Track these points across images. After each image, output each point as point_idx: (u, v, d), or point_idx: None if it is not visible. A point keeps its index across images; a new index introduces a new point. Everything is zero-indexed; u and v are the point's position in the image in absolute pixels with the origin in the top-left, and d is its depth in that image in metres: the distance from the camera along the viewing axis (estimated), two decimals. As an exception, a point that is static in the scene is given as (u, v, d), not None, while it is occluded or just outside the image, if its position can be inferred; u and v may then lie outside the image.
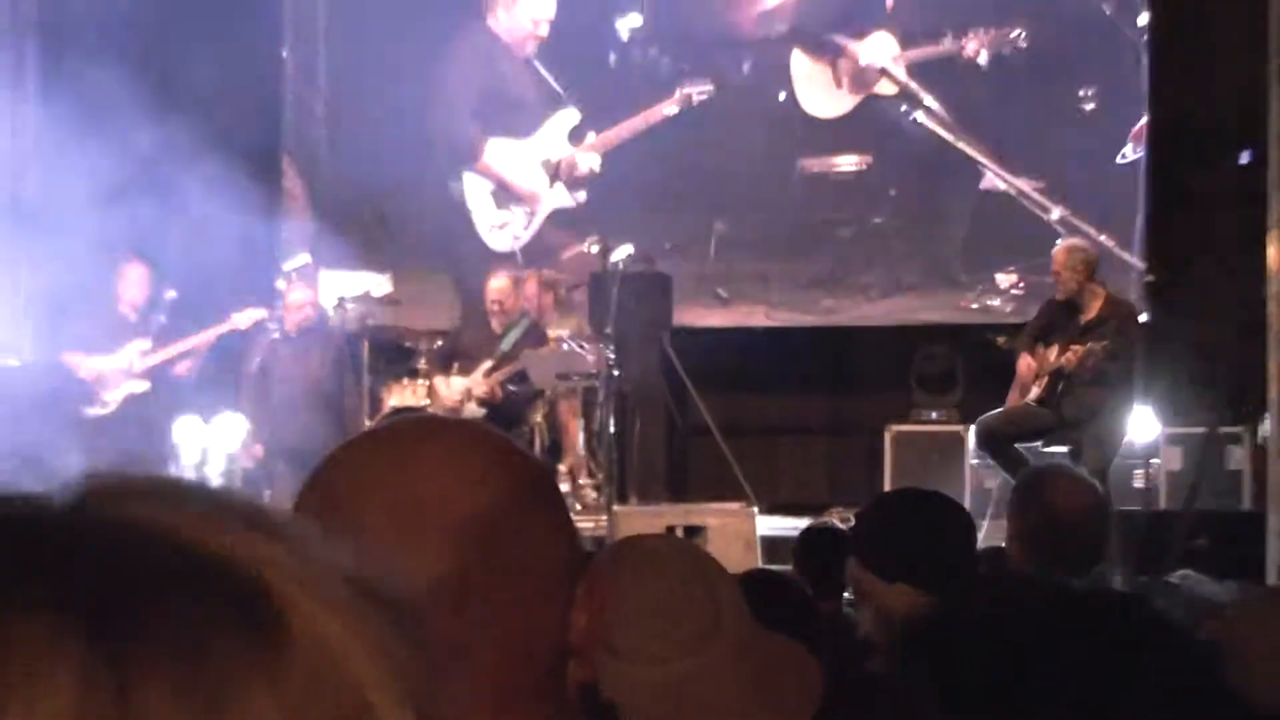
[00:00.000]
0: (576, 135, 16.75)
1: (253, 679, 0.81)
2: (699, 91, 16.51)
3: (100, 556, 0.83)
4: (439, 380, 14.28)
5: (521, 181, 16.77)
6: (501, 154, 16.77)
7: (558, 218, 16.65)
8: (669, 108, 16.52)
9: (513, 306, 14.48)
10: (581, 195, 16.65)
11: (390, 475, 1.76)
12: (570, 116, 16.73)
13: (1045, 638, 1.71)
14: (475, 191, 16.82)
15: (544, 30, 16.72)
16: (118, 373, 14.11)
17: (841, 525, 11.11)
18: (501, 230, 16.77)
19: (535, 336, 14.28)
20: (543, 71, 16.78)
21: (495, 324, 14.39)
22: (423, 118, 16.81)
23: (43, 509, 0.89)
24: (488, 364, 14.17)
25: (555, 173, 16.68)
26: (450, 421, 2.01)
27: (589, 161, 16.62)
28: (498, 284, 14.54)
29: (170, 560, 0.83)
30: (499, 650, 1.72)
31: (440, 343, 14.69)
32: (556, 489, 1.93)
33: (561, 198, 16.67)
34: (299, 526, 0.90)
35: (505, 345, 14.25)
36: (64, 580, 0.82)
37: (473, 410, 13.90)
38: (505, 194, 16.81)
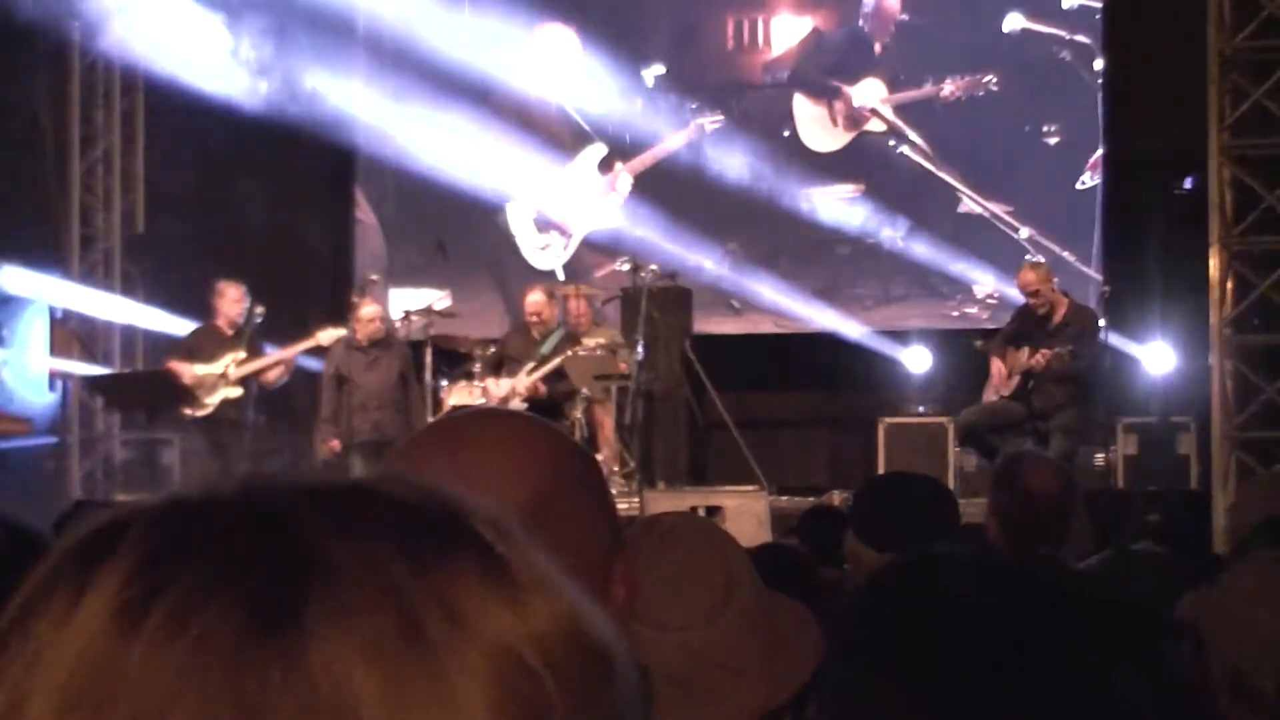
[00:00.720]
0: (605, 165, 16.79)
1: (230, 653, 0.79)
2: (710, 121, 16.54)
3: (177, 531, 0.83)
4: (490, 381, 14.34)
5: (559, 210, 16.81)
6: (541, 187, 16.81)
7: (592, 240, 16.68)
8: (685, 136, 16.56)
9: (550, 317, 14.51)
10: (613, 218, 16.68)
11: (449, 462, 1.72)
12: (598, 150, 16.78)
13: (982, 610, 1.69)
14: (519, 220, 16.87)
15: (572, 77, 16.76)
16: (215, 379, 14.17)
17: (840, 505, 11.19)
18: (544, 252, 16.81)
19: (570, 342, 14.32)
20: (571, 113, 16.83)
21: (535, 332, 14.45)
22: (471, 162, 16.83)
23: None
24: (530, 365, 14.24)
25: (589, 199, 16.71)
26: (504, 413, 1.96)
27: (623, 186, 16.66)
28: (535, 298, 14.59)
29: (221, 545, 0.82)
30: None
31: (490, 349, 14.73)
32: (600, 473, 1.90)
33: (595, 221, 16.72)
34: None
35: (544, 350, 14.29)
36: (142, 545, 0.82)
37: (518, 406, 13.95)
38: (545, 221, 16.85)
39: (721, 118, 16.50)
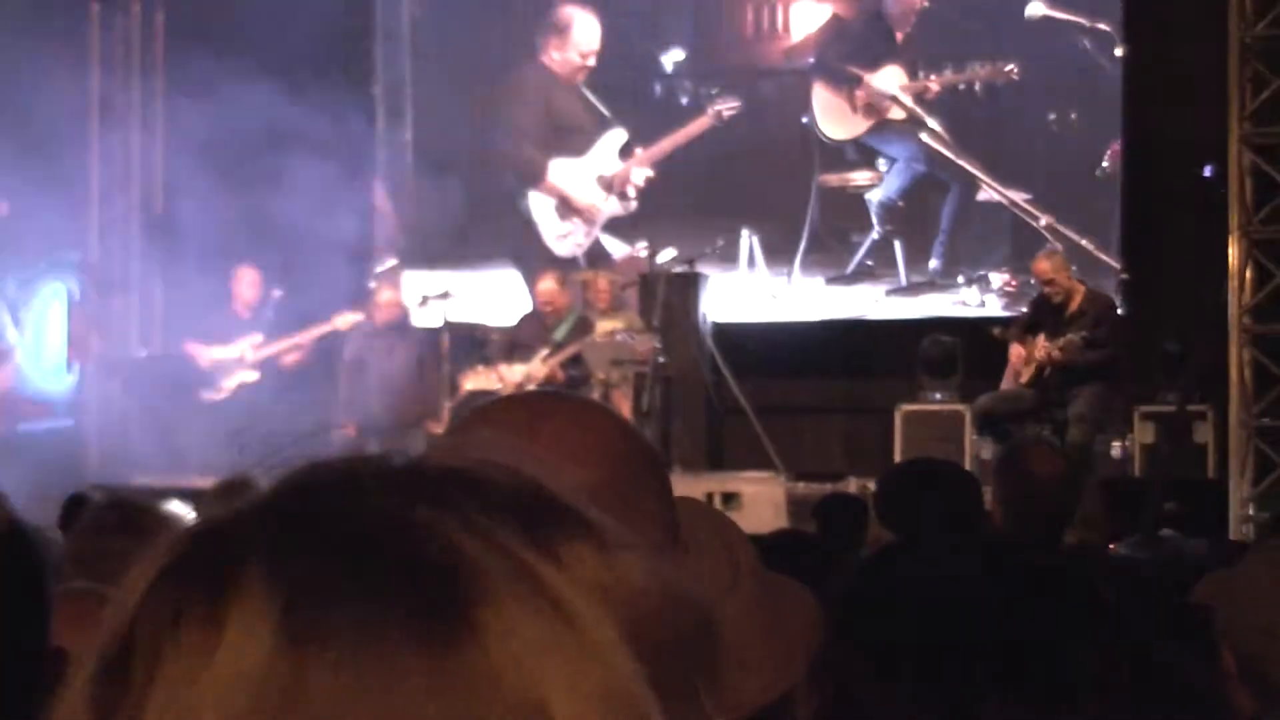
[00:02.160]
0: (625, 152, 16.77)
1: (415, 672, 0.79)
2: (728, 108, 16.51)
3: (317, 540, 0.83)
4: (503, 367, 14.35)
5: (580, 196, 16.79)
6: (561, 173, 16.80)
7: (612, 226, 16.67)
8: (704, 122, 16.54)
9: (562, 304, 14.52)
10: (633, 205, 16.66)
11: (514, 445, 1.70)
12: (619, 136, 16.75)
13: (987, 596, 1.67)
14: (540, 207, 16.85)
15: (592, 61, 16.75)
16: (232, 363, 14.20)
17: (857, 492, 11.20)
18: (565, 239, 16.78)
19: (584, 328, 14.33)
20: (591, 98, 16.81)
21: (548, 319, 14.46)
22: (491, 146, 16.85)
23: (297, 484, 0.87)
24: (544, 351, 14.25)
25: (610, 186, 16.71)
26: (572, 397, 1.92)
27: (641, 174, 16.65)
28: (546, 285, 14.60)
29: (378, 557, 0.82)
30: None
31: (500, 335, 14.77)
32: (662, 463, 1.88)
33: (615, 207, 16.70)
34: (577, 541, 0.88)
35: (558, 336, 14.31)
36: (282, 555, 0.82)
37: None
38: (566, 208, 16.83)
39: (738, 104, 16.47)
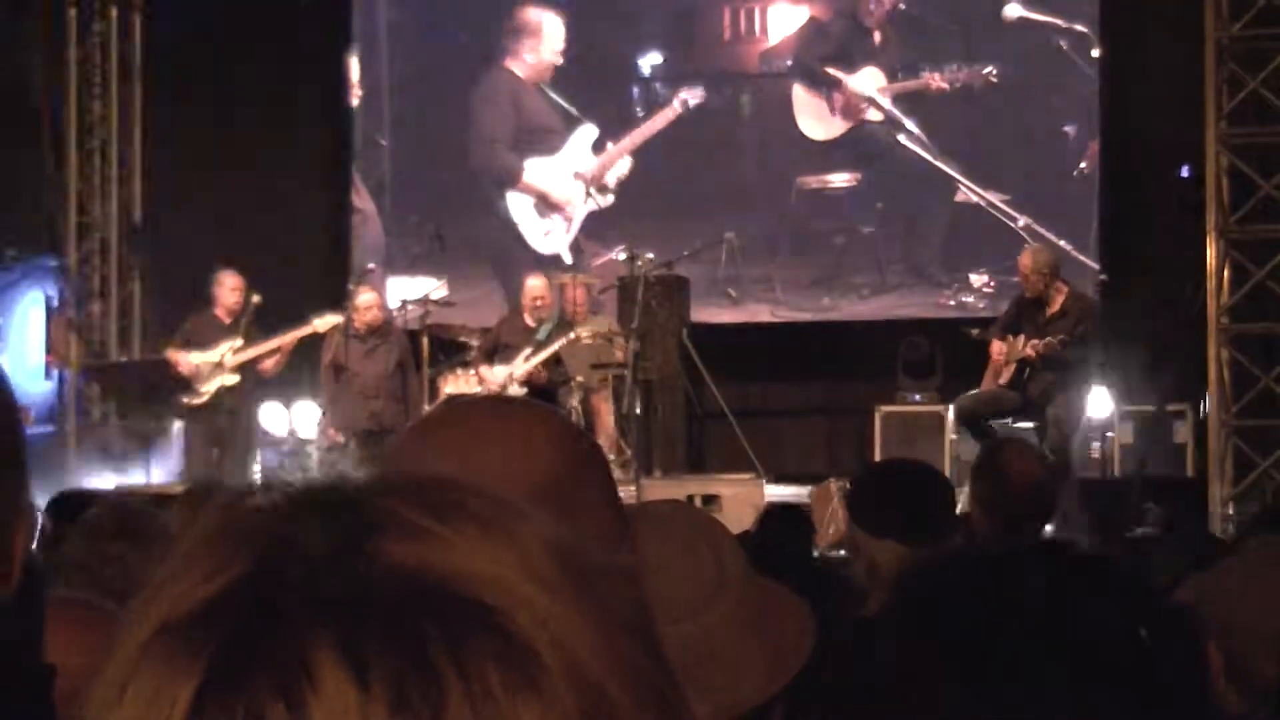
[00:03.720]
0: (598, 147, 16.80)
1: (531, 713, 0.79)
2: (694, 96, 16.55)
3: (394, 616, 0.80)
4: (484, 369, 14.36)
5: (557, 192, 16.82)
6: (537, 172, 16.82)
7: (590, 230, 16.68)
8: (671, 113, 16.58)
9: (549, 304, 14.54)
10: (611, 199, 16.70)
11: (459, 445, 1.74)
12: (590, 132, 16.78)
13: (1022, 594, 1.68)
14: (519, 207, 16.87)
15: (560, 61, 16.79)
16: (211, 367, 14.18)
17: (837, 493, 11.22)
18: (548, 237, 16.81)
19: (565, 329, 14.33)
20: (555, 98, 16.84)
21: (530, 318, 14.45)
22: (466, 151, 16.88)
23: (324, 546, 0.83)
24: (527, 351, 14.26)
25: (588, 181, 16.74)
26: (510, 399, 1.96)
27: (618, 167, 16.68)
28: (535, 284, 14.61)
29: (454, 618, 0.80)
30: None
31: (482, 338, 14.77)
32: (604, 456, 1.91)
33: (594, 202, 16.73)
34: (521, 517, 0.88)
35: (540, 336, 14.32)
36: (364, 643, 0.79)
37: (516, 391, 13.99)
38: (545, 205, 16.85)
39: (703, 94, 16.52)
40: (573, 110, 16.74)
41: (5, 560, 1.42)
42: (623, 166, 16.68)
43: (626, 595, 0.88)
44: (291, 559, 0.82)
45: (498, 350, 14.49)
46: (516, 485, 1.61)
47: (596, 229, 16.62)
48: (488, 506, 0.87)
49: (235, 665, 0.79)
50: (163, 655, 0.81)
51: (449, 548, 0.83)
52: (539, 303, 14.45)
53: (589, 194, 16.74)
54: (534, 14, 16.82)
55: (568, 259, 16.44)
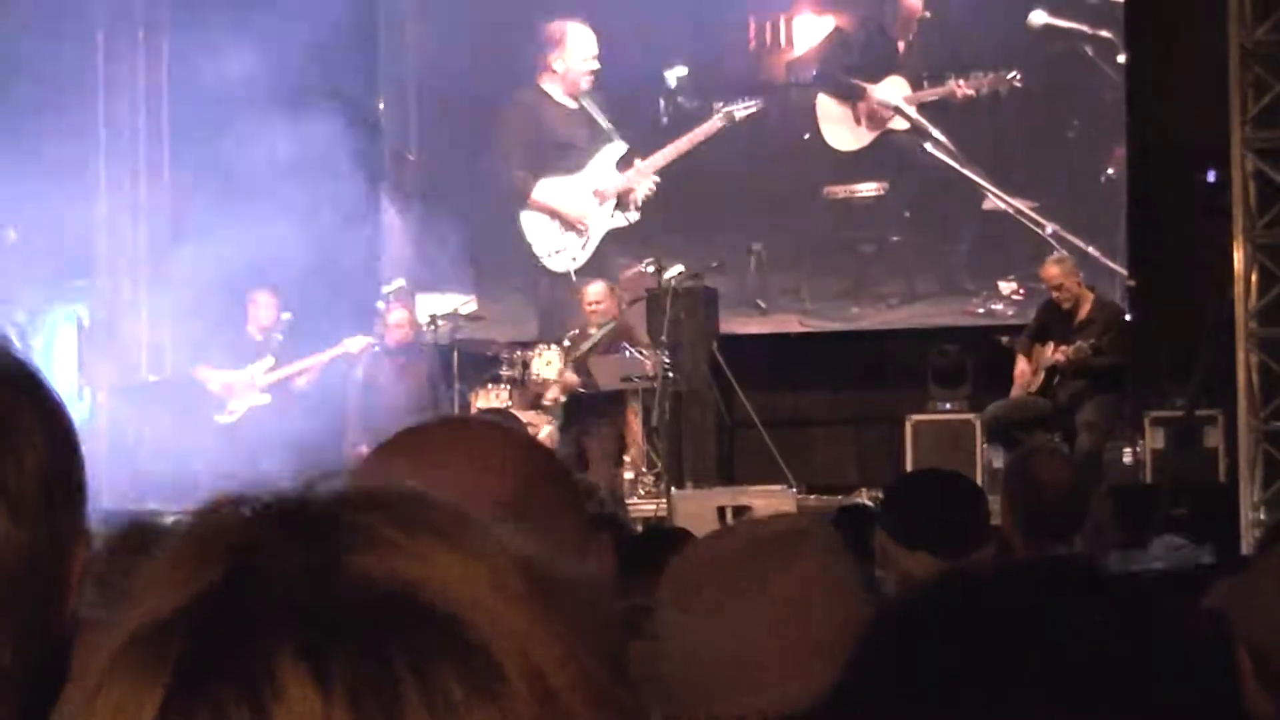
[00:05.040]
0: (624, 164, 16.79)
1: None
2: (743, 107, 16.52)
3: (356, 625, 0.81)
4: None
5: (571, 210, 16.81)
6: (551, 190, 16.82)
7: (618, 242, 16.67)
8: (715, 123, 16.54)
9: (610, 309, 14.47)
10: (636, 216, 16.69)
11: (416, 468, 1.75)
12: (617, 149, 16.78)
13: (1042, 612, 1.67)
14: (532, 225, 16.87)
15: (593, 67, 16.80)
16: (243, 386, 14.21)
17: (868, 503, 11.21)
18: (558, 255, 16.79)
19: (619, 335, 14.29)
20: (593, 111, 16.84)
21: (593, 323, 14.43)
22: (485, 168, 16.89)
23: (291, 555, 0.84)
24: (565, 344, 14.31)
25: (604, 198, 16.73)
26: (469, 419, 2.00)
27: (645, 185, 16.66)
28: (596, 289, 14.53)
29: (413, 626, 0.81)
30: None
31: (518, 353, 14.78)
32: (566, 473, 1.93)
33: (615, 220, 16.73)
34: (482, 528, 0.89)
35: (597, 338, 14.30)
36: (327, 652, 0.80)
37: (557, 398, 14.11)
38: (558, 224, 16.86)
39: (754, 104, 16.48)
40: (605, 125, 16.74)
41: (64, 585, 1.44)
42: (646, 183, 16.65)
43: (589, 609, 0.89)
44: (260, 569, 0.84)
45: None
46: (475, 504, 1.59)
47: (625, 241, 16.60)
48: (454, 521, 0.88)
49: (201, 671, 0.81)
50: (130, 664, 0.82)
51: (416, 560, 0.84)
52: (596, 305, 14.39)
53: (612, 212, 16.73)
54: (559, 25, 16.82)
55: (574, 280, 16.38)
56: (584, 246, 16.78)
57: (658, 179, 16.64)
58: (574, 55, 16.78)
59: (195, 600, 0.84)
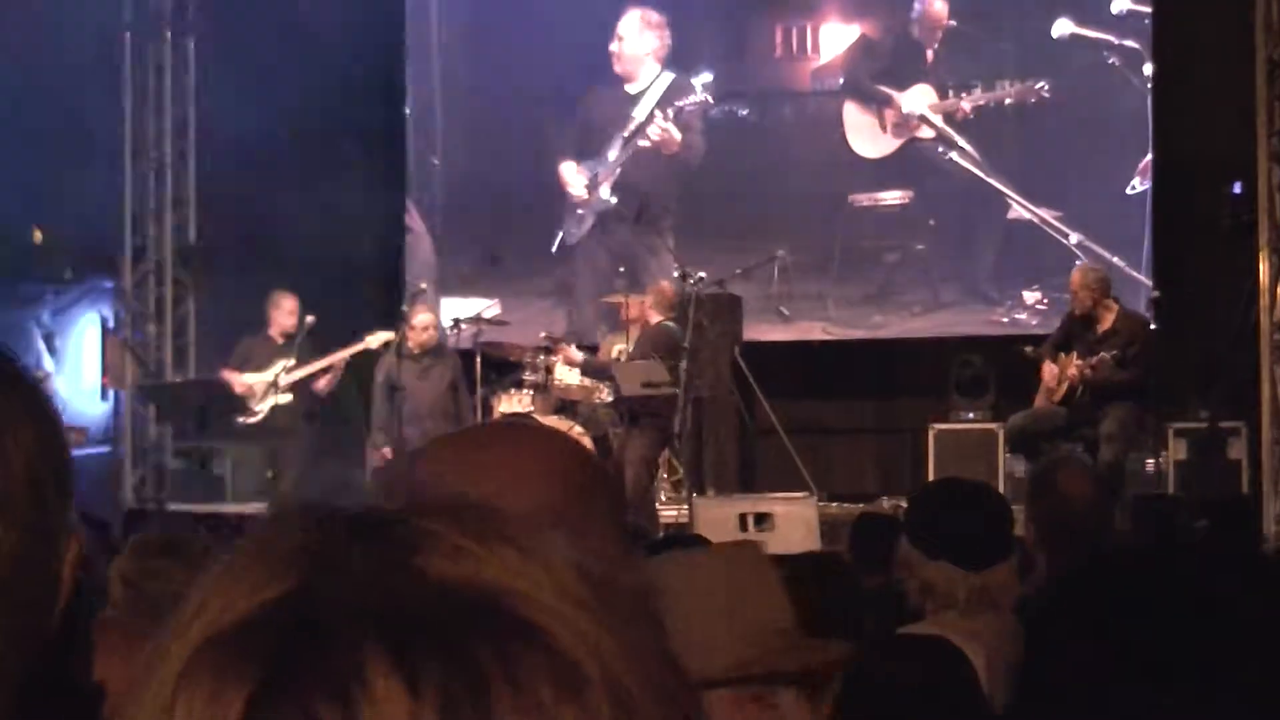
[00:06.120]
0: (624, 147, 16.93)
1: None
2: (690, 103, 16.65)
3: (441, 627, 0.82)
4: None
5: (574, 190, 16.89)
6: (566, 171, 16.95)
7: (643, 249, 16.68)
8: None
9: (639, 316, 14.47)
10: (614, 200, 16.81)
11: (464, 470, 1.78)
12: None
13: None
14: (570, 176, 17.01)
15: (655, 45, 16.84)
16: (266, 387, 14.25)
17: (890, 511, 11.19)
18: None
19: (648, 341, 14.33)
20: (650, 93, 16.89)
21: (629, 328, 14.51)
22: (517, 170, 16.91)
23: (365, 561, 0.85)
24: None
25: (605, 182, 16.83)
26: (520, 424, 2.04)
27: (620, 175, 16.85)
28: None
29: (501, 631, 0.82)
30: None
31: (540, 357, 14.82)
32: (611, 482, 1.94)
33: (605, 200, 16.87)
34: (548, 540, 0.90)
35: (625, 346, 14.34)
36: (413, 653, 0.81)
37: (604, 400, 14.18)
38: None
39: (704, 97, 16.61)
40: (645, 109, 16.79)
41: (55, 585, 1.45)
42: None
43: (643, 612, 0.90)
44: (334, 576, 0.84)
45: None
46: (517, 509, 1.62)
47: (650, 248, 16.62)
48: (519, 530, 0.89)
49: (288, 672, 0.81)
50: (211, 667, 0.82)
51: (489, 566, 0.85)
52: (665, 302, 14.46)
53: (604, 191, 16.83)
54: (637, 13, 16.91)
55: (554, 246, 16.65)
56: (581, 225, 16.85)
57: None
58: (631, 40, 16.80)
59: (276, 603, 0.84)
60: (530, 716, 0.80)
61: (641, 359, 13.99)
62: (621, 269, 15.87)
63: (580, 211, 16.95)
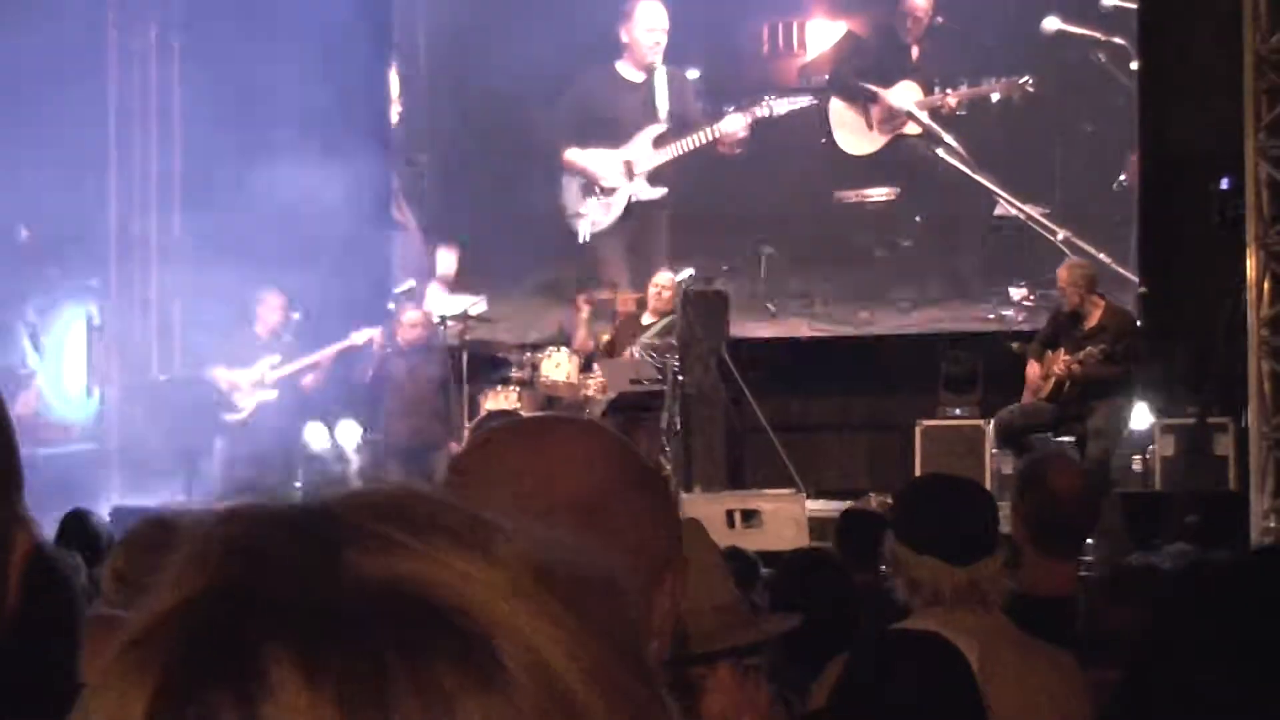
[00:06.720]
0: (659, 142, 16.81)
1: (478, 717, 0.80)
2: (772, 108, 16.55)
3: (347, 621, 0.81)
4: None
5: (603, 178, 16.81)
6: (588, 157, 16.85)
7: (631, 246, 16.68)
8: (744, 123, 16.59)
9: (668, 301, 14.47)
10: (660, 192, 16.72)
11: (524, 452, 1.84)
12: (657, 128, 16.81)
13: None
14: (567, 187, 16.91)
15: (662, 38, 16.83)
16: (251, 384, 14.24)
17: (878, 508, 11.20)
18: (580, 219, 16.83)
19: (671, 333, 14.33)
20: (659, 86, 16.85)
21: (653, 308, 14.46)
22: (505, 165, 16.85)
23: (290, 556, 0.85)
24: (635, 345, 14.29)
25: (639, 175, 16.75)
26: (573, 418, 2.09)
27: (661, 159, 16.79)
28: (662, 279, 14.57)
29: (405, 620, 0.82)
30: None
31: (526, 354, 14.82)
32: (665, 486, 1.97)
33: (643, 192, 16.75)
34: (499, 530, 0.89)
35: (658, 327, 14.29)
36: (317, 648, 0.80)
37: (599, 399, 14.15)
38: (588, 187, 16.86)
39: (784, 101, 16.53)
40: (662, 101, 16.78)
41: (4, 573, 1.44)
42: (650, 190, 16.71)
43: (609, 607, 0.89)
44: (257, 570, 0.84)
45: (615, 352, 14.54)
46: (557, 496, 1.74)
47: (637, 245, 16.62)
48: (464, 521, 0.88)
49: (188, 672, 0.80)
50: (121, 670, 0.82)
51: (417, 558, 0.84)
52: (665, 294, 14.42)
53: (639, 184, 16.75)
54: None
55: (584, 237, 16.59)
56: (608, 212, 16.79)
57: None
58: (641, 27, 16.79)
59: (187, 602, 0.84)
60: (433, 704, 0.80)
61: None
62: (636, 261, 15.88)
63: (607, 200, 16.85)
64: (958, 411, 14.83)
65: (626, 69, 16.91)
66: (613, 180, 16.79)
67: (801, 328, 16.34)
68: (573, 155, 16.87)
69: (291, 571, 0.83)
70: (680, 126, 16.74)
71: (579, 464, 1.84)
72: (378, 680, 0.80)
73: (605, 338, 14.79)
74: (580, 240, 16.74)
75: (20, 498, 1.47)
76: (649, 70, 16.83)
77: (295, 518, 0.87)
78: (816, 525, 12.34)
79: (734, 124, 16.53)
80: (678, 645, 1.79)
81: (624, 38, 16.86)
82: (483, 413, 14.56)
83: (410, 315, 14.52)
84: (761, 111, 16.46)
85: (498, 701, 0.81)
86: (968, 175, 15.97)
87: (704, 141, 16.62)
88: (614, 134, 16.89)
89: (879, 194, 16.42)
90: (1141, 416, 13.74)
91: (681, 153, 16.67)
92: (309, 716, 0.78)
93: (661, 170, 16.72)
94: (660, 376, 13.96)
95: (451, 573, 0.84)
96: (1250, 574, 1.78)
